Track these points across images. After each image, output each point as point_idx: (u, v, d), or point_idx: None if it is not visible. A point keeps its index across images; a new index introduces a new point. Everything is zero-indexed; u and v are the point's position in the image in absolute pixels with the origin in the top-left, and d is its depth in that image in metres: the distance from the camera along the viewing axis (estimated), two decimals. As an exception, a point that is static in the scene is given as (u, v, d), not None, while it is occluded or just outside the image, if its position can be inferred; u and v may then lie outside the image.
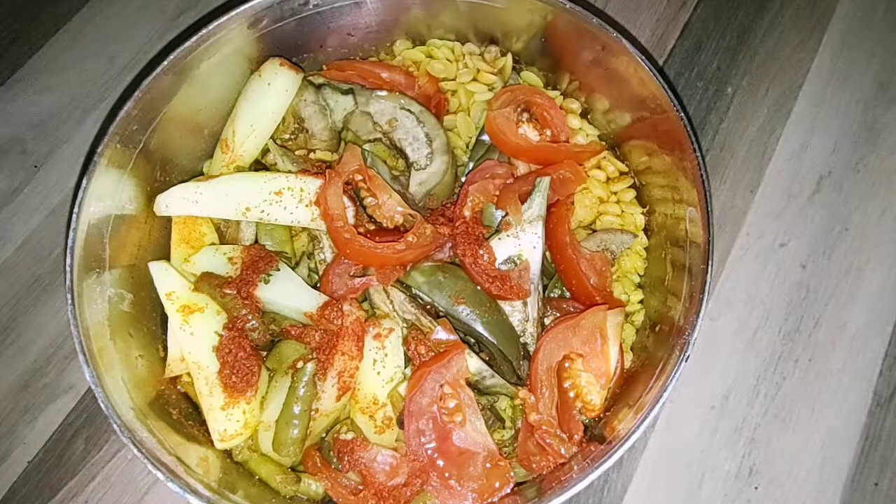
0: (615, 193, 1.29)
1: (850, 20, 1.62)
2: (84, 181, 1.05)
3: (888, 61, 1.58)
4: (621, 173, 1.31)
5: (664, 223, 1.21)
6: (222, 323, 1.10)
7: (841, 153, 1.49)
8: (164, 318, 1.16)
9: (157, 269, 1.13)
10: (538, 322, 1.14)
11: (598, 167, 1.31)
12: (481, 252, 1.12)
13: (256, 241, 1.20)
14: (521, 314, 1.13)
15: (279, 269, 1.11)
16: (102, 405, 0.96)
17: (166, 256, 1.20)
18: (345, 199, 1.12)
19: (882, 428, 1.28)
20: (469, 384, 1.08)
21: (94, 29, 1.65)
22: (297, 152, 1.28)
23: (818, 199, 1.45)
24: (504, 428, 1.15)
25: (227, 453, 1.11)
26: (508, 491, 1.02)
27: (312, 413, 1.06)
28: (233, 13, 1.16)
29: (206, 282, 1.10)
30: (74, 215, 1.03)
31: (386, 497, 1.02)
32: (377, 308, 1.13)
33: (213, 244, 1.20)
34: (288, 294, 1.10)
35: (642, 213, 1.28)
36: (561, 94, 1.35)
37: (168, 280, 1.12)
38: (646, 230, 1.28)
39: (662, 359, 1.03)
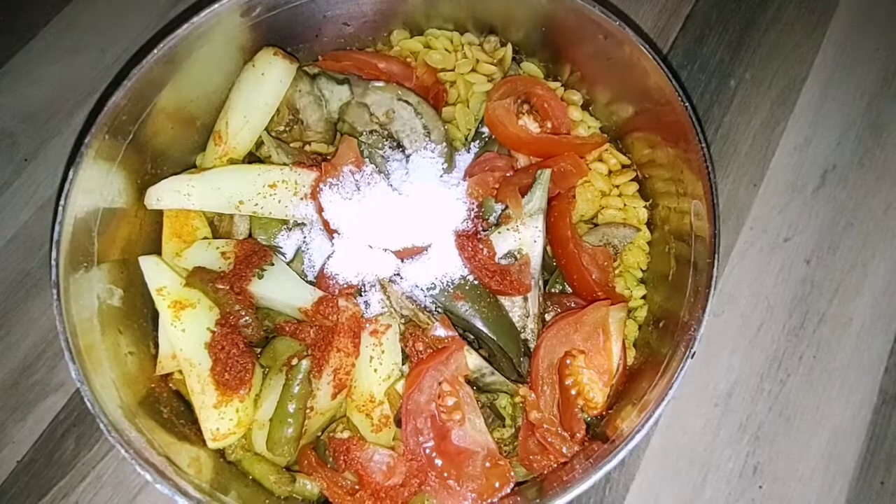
0: (617, 187, 1.27)
1: (854, 13, 1.60)
2: (71, 173, 1.02)
3: (893, 55, 1.56)
4: (623, 166, 1.28)
5: (668, 217, 1.19)
6: (215, 319, 1.07)
7: (845, 147, 1.48)
8: (155, 314, 1.13)
9: (148, 264, 1.11)
10: (539, 318, 1.12)
11: (600, 160, 1.28)
12: (480, 246, 1.10)
13: (250, 235, 1.17)
14: (521, 310, 1.11)
15: (273, 264, 1.09)
16: (89, 404, 0.94)
17: (157, 251, 1.18)
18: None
19: (888, 425, 1.26)
20: (468, 381, 1.07)
21: (86, 20, 1.63)
22: (291, 144, 1.26)
23: (822, 194, 1.43)
24: (504, 426, 1.13)
25: (220, 453, 1.09)
26: (508, 491, 1.00)
27: (307, 411, 1.04)
28: (225, 1, 1.13)
29: (199, 277, 1.08)
30: (60, 208, 1.01)
31: (383, 497, 1.00)
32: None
33: (205, 238, 1.17)
34: (282, 289, 1.08)
35: (645, 207, 1.26)
36: (562, 85, 1.33)
37: (159, 275, 1.10)
38: (649, 224, 1.26)
39: (667, 355, 1.01)
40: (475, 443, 1.02)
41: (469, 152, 1.24)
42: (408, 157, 1.21)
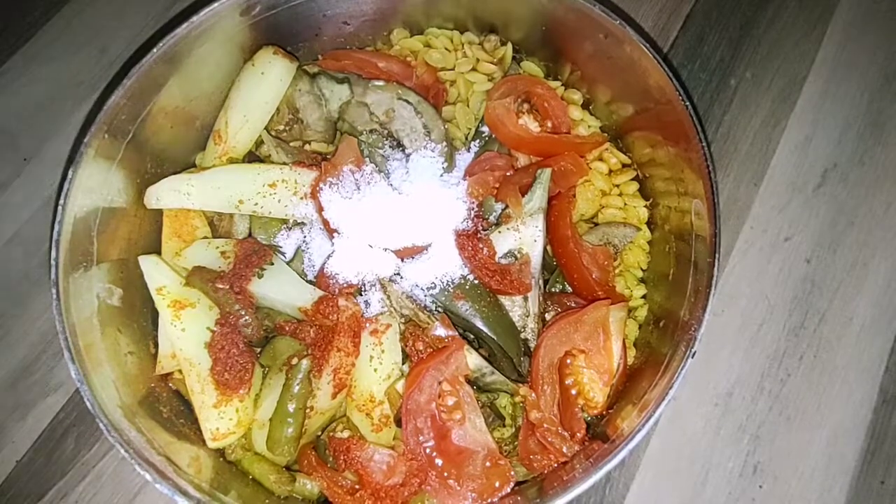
0: (618, 186, 1.27)
1: (855, 11, 1.60)
2: (70, 172, 1.02)
3: (893, 52, 1.56)
4: (624, 165, 1.28)
5: (668, 216, 1.19)
6: (214, 318, 1.07)
7: (846, 146, 1.47)
8: (154, 314, 1.13)
9: (148, 264, 1.10)
10: (539, 317, 1.12)
11: (601, 159, 1.28)
12: (480, 245, 1.09)
13: (250, 235, 1.17)
14: (521, 309, 1.11)
15: (273, 264, 1.09)
16: (88, 403, 0.94)
17: (157, 250, 1.18)
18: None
19: (888, 425, 1.26)
20: (468, 381, 1.06)
21: (86, 19, 1.62)
22: (291, 144, 1.26)
23: (823, 193, 1.43)
24: (504, 426, 1.12)
25: (220, 452, 1.09)
26: (509, 490, 1.00)
27: (307, 411, 1.03)
28: (225, 0, 1.13)
29: (198, 276, 1.08)
30: (60, 207, 1.01)
31: (383, 497, 1.00)
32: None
33: (205, 238, 1.17)
34: (282, 289, 1.08)
35: (645, 206, 1.25)
36: (562, 84, 1.33)
37: (159, 274, 1.10)
38: (649, 223, 1.26)
39: (667, 355, 1.01)
40: (475, 442, 1.02)
41: (469, 151, 1.23)
42: (408, 156, 1.20)
